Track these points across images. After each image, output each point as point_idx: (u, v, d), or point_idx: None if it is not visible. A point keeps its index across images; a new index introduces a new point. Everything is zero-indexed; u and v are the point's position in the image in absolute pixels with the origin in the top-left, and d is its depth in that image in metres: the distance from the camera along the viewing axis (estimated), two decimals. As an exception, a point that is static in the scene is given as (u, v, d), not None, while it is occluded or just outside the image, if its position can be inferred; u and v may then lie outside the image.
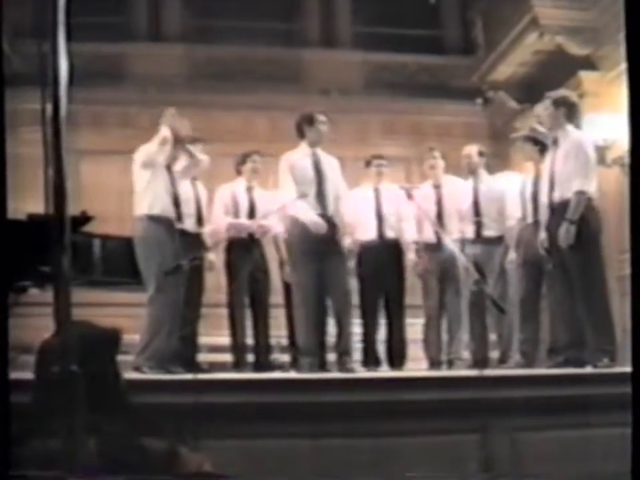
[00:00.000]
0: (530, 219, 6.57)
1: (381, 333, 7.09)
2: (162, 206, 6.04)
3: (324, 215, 6.27)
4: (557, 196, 5.99)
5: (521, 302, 6.61)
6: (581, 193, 5.86)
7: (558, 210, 5.97)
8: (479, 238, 6.95)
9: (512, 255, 6.79)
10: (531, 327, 6.56)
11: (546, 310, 6.55)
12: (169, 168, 6.17)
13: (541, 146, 6.53)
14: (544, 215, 6.20)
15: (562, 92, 6.39)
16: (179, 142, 6.13)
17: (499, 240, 6.97)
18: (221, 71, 11.47)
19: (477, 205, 6.99)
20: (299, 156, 6.45)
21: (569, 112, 6.13)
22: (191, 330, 6.49)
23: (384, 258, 6.86)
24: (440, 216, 7.02)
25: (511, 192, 6.92)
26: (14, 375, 5.99)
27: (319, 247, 6.21)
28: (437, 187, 7.18)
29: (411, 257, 7.03)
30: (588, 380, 5.36)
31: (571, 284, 5.95)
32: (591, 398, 4.81)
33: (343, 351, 6.24)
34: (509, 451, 4.99)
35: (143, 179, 6.03)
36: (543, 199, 6.17)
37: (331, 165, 6.47)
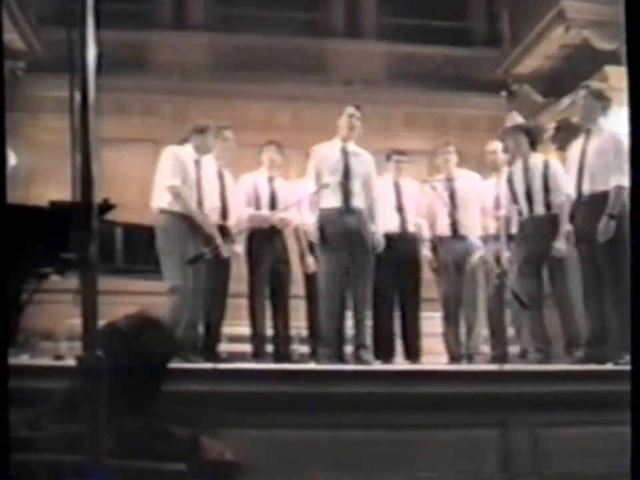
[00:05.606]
0: (526, 214, 6.43)
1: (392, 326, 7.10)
2: (185, 205, 6.06)
3: (347, 207, 6.26)
4: (588, 189, 5.97)
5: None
6: (620, 188, 5.81)
7: (589, 203, 5.95)
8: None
9: (506, 254, 6.70)
10: (537, 323, 6.47)
11: (552, 306, 6.42)
12: (198, 163, 6.20)
13: (531, 138, 6.49)
14: (566, 208, 6.15)
15: (601, 85, 6.31)
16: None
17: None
18: (245, 60, 11.48)
19: (500, 201, 6.95)
20: (328, 147, 6.46)
21: (605, 106, 6.09)
22: (215, 320, 6.49)
23: (400, 251, 6.83)
24: (453, 209, 7.00)
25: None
26: (34, 360, 6.00)
27: (344, 239, 6.22)
28: (450, 179, 7.16)
29: (425, 253, 7.05)
30: (609, 376, 5.32)
31: (599, 278, 5.91)
32: (612, 395, 4.76)
33: (361, 343, 6.24)
34: (528, 446, 4.98)
35: (170, 175, 6.05)
36: (570, 191, 6.13)
37: (362, 159, 6.45)
